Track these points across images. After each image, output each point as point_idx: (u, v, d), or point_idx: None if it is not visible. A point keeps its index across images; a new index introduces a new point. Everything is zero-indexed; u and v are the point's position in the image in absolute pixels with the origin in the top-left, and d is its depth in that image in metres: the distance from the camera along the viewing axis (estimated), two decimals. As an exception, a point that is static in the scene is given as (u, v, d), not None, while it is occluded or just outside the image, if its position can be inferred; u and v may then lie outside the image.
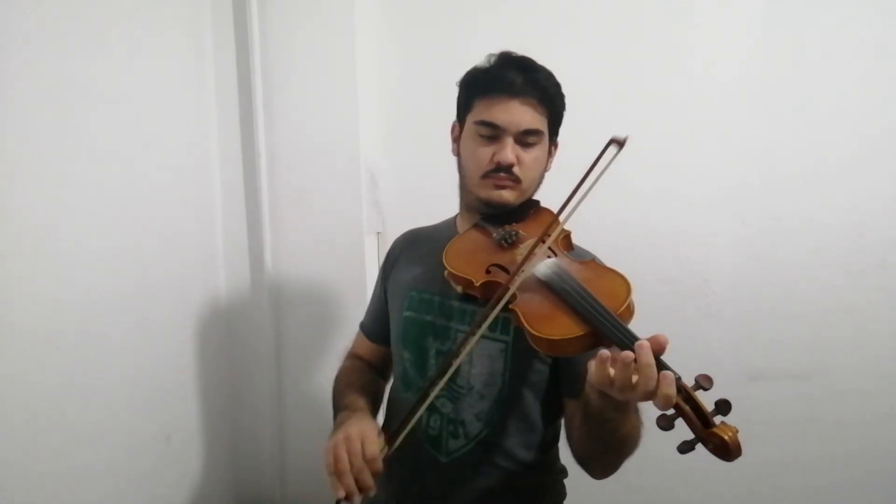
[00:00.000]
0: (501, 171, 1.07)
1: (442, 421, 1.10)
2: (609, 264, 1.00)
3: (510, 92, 1.05)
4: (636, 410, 0.93)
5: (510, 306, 0.92)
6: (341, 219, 1.73)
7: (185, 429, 1.61)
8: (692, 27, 1.71)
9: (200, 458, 1.67)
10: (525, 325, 0.88)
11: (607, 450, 0.97)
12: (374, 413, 1.20)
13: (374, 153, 1.80)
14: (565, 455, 1.12)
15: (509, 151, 1.05)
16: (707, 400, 0.76)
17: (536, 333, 0.86)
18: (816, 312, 1.72)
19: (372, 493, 0.94)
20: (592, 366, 0.80)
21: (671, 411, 0.76)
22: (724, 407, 0.75)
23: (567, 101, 1.13)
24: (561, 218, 1.00)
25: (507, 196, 1.09)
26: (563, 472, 1.20)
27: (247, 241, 1.80)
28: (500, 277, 0.98)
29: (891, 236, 1.69)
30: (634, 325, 0.84)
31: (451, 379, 1.08)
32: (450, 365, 0.96)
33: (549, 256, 0.99)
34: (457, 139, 1.17)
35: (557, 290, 0.91)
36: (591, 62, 1.71)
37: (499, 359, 1.07)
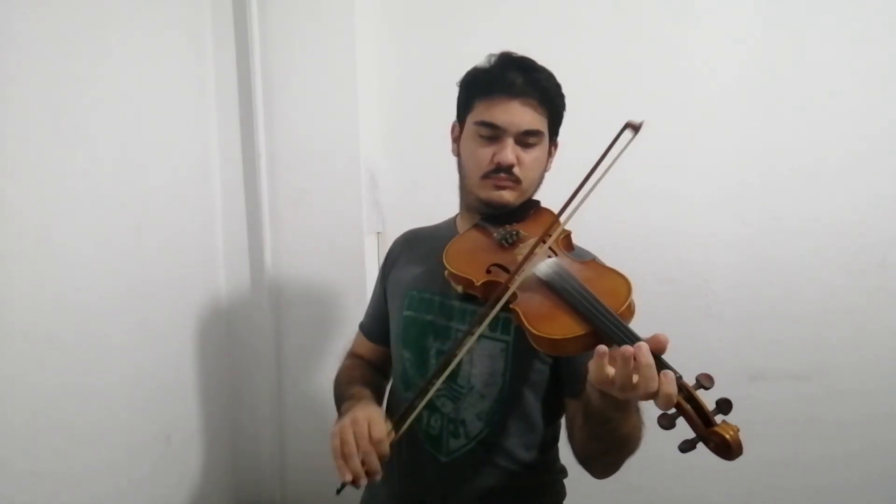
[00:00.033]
0: (501, 172, 1.07)
1: (442, 420, 1.10)
2: (609, 264, 1.00)
3: (510, 92, 1.05)
4: (637, 410, 0.93)
5: (511, 306, 0.92)
6: (341, 219, 1.73)
7: (185, 429, 1.61)
8: (692, 27, 1.71)
9: (200, 458, 1.67)
10: (526, 324, 0.88)
11: (608, 449, 0.97)
12: (379, 405, 1.20)
13: (374, 153, 1.80)
14: (565, 455, 1.12)
15: (509, 152, 1.05)
16: (708, 399, 0.76)
17: (537, 333, 0.86)
18: (816, 312, 1.72)
19: (378, 478, 0.94)
20: (592, 364, 0.80)
21: (672, 410, 0.76)
22: (725, 406, 0.75)
23: (567, 101, 1.13)
24: (566, 213, 0.99)
25: (507, 196, 1.09)
26: (563, 472, 1.20)
27: (247, 241, 1.80)
28: (501, 277, 0.98)
29: (891, 236, 1.68)
30: (635, 325, 0.84)
31: (452, 378, 1.08)
32: (454, 357, 0.96)
33: (549, 256, 0.99)
34: (457, 139, 1.17)
35: (558, 290, 0.91)
36: (591, 62, 1.71)
37: (499, 358, 1.07)
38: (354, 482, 0.92)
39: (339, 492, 0.97)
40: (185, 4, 1.61)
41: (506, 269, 0.99)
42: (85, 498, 1.23)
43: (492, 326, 1.05)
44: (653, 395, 0.76)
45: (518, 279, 0.93)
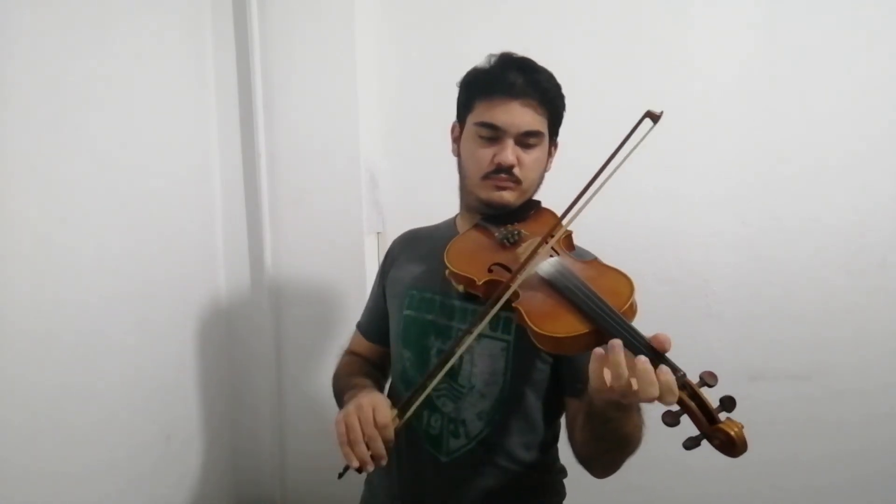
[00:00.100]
0: (502, 173, 1.07)
1: (443, 420, 1.10)
2: (610, 264, 1.00)
3: (511, 93, 1.05)
4: (638, 410, 0.94)
5: (513, 304, 0.92)
6: (341, 219, 1.73)
7: (185, 429, 1.61)
8: (692, 27, 1.71)
9: (200, 458, 1.67)
10: (528, 322, 0.88)
11: (609, 449, 0.97)
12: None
13: (374, 153, 1.80)
14: (565, 455, 1.12)
15: (510, 153, 1.05)
16: (712, 397, 0.76)
17: (540, 331, 0.86)
18: (816, 312, 1.72)
19: (384, 463, 0.94)
20: (590, 371, 0.80)
21: (677, 408, 0.76)
22: (728, 403, 0.75)
23: (567, 101, 1.14)
24: (580, 203, 0.98)
25: (508, 197, 1.09)
26: (563, 472, 1.20)
27: (247, 241, 1.80)
28: (503, 276, 0.98)
29: (891, 236, 1.68)
30: (636, 325, 0.84)
31: (453, 378, 1.08)
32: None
33: (551, 255, 0.99)
34: (457, 139, 1.17)
35: (561, 289, 0.91)
36: (591, 62, 1.71)
37: (500, 358, 1.07)
38: (360, 468, 0.92)
39: (340, 476, 0.97)
40: (185, 4, 1.61)
41: (507, 269, 0.99)
42: (85, 498, 1.23)
43: (493, 326, 1.05)
44: (655, 399, 0.75)
45: (520, 277, 0.93)
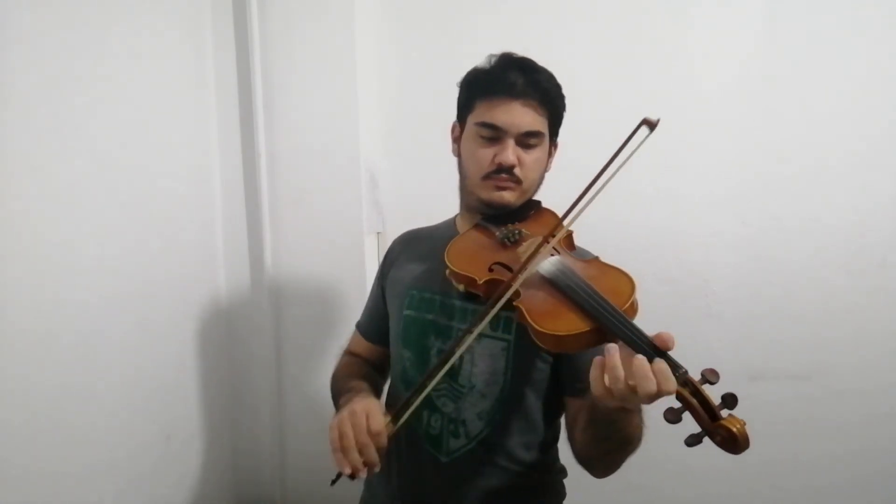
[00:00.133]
0: (503, 173, 1.07)
1: (443, 420, 1.10)
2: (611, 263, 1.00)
3: (511, 93, 1.05)
4: (639, 410, 0.93)
5: (514, 303, 0.92)
6: (341, 219, 1.73)
7: (185, 429, 1.61)
8: (692, 27, 1.71)
9: (200, 458, 1.67)
10: (529, 320, 0.88)
11: (611, 450, 0.97)
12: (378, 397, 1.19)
13: (374, 153, 1.80)
14: (565, 455, 1.12)
15: (510, 153, 1.05)
16: (714, 395, 0.76)
17: (541, 329, 0.87)
18: (816, 312, 1.72)
19: (377, 470, 0.93)
20: (591, 379, 0.80)
21: (678, 405, 0.76)
22: (730, 400, 0.75)
23: (567, 101, 1.14)
24: (581, 206, 0.99)
25: (508, 197, 1.09)
26: (563, 472, 1.20)
27: (247, 241, 1.80)
28: (504, 275, 0.98)
29: (891, 236, 1.69)
30: (636, 324, 0.84)
31: (453, 378, 1.08)
32: (452, 353, 0.96)
33: (552, 255, 0.99)
34: (457, 139, 1.17)
35: (562, 287, 0.91)
36: (591, 62, 1.71)
37: (500, 357, 1.07)
38: (353, 475, 0.92)
39: (333, 482, 0.97)
40: (185, 4, 1.61)
41: (508, 268, 0.99)
42: (85, 498, 1.23)
43: (493, 325, 1.05)
44: (656, 396, 0.75)
45: (522, 276, 0.93)
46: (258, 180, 1.73)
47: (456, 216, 1.25)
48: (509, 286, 0.93)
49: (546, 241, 0.99)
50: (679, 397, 0.77)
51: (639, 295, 0.89)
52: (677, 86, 1.71)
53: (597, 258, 1.04)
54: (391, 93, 1.81)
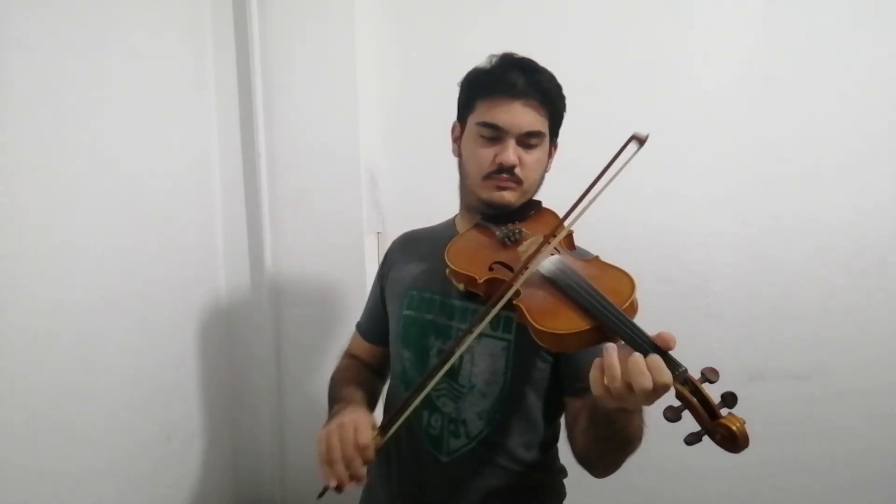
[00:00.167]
0: (503, 173, 1.07)
1: (443, 420, 1.10)
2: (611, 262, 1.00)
3: (512, 93, 1.05)
4: (640, 410, 0.94)
5: (514, 302, 0.92)
6: (341, 219, 1.73)
7: (185, 429, 1.61)
8: (692, 27, 1.71)
9: (200, 458, 1.67)
10: (529, 319, 0.88)
11: (611, 450, 0.97)
12: (371, 408, 1.20)
13: (374, 153, 1.80)
14: (565, 455, 1.12)
15: (511, 153, 1.06)
16: (714, 394, 0.76)
17: (541, 328, 0.87)
18: (816, 312, 1.72)
19: (363, 483, 0.94)
20: (591, 380, 0.80)
21: (678, 403, 0.76)
22: (730, 399, 0.75)
23: (567, 101, 1.14)
24: (571, 218, 0.99)
25: (509, 197, 1.09)
26: (563, 472, 1.20)
27: (247, 241, 1.80)
28: (504, 275, 0.98)
29: (891, 236, 1.69)
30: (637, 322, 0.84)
31: (453, 377, 1.08)
32: (452, 353, 0.96)
33: (552, 254, 0.99)
34: (457, 139, 1.17)
35: (562, 286, 0.91)
36: (591, 62, 1.71)
37: (500, 357, 1.07)
38: (339, 488, 0.93)
39: (320, 496, 0.98)
40: (185, 4, 1.61)
41: (508, 267, 0.99)
42: (85, 498, 1.23)
43: (493, 325, 1.05)
44: (653, 392, 0.75)
45: (523, 277, 0.93)
46: (258, 180, 1.73)
47: (455, 216, 1.25)
48: (510, 286, 0.93)
49: (547, 241, 0.99)
50: (679, 396, 0.77)
51: (639, 294, 0.89)
52: (677, 86, 1.71)
53: (597, 257, 1.04)
54: (391, 93, 1.81)
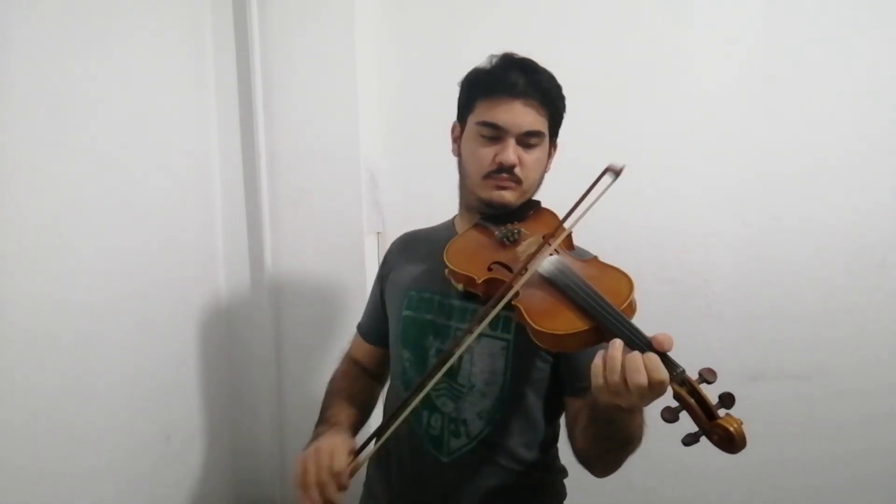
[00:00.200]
0: (503, 172, 1.07)
1: (443, 420, 1.10)
2: (609, 262, 1.00)
3: (512, 93, 1.05)
4: (640, 410, 0.94)
5: (513, 302, 0.92)
6: (341, 219, 1.73)
7: (185, 429, 1.61)
8: (692, 27, 1.71)
9: (200, 458, 1.67)
10: (528, 320, 0.89)
11: (611, 449, 0.98)
12: (363, 421, 1.23)
13: (374, 153, 1.80)
14: (565, 455, 1.12)
15: (511, 152, 1.06)
16: (712, 394, 0.76)
17: (539, 328, 0.87)
18: (816, 312, 1.72)
19: None
20: (591, 375, 0.81)
21: (675, 404, 0.77)
22: (728, 400, 0.75)
23: (567, 101, 1.14)
24: (554, 242, 1.00)
25: (508, 197, 1.09)
26: (563, 472, 1.20)
27: (247, 241, 1.80)
28: (503, 275, 0.98)
29: (891, 236, 1.69)
30: (636, 325, 0.84)
31: (452, 377, 1.08)
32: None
33: (551, 254, 1.00)
34: (457, 139, 1.17)
35: (561, 287, 0.91)
36: (591, 62, 1.71)
37: (500, 357, 1.07)
38: None
39: None
40: (185, 4, 1.61)
41: (507, 267, 0.99)
42: (85, 498, 1.23)
43: (492, 325, 1.05)
44: (648, 390, 0.76)
45: (522, 279, 0.94)
46: (258, 180, 1.73)
47: (454, 218, 1.26)
48: (510, 287, 0.93)
49: (546, 242, 1.00)
50: (676, 396, 0.77)
51: (637, 294, 0.90)
52: (677, 86, 1.71)
53: (595, 258, 1.04)
54: (391, 93, 1.81)
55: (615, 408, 0.85)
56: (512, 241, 1.06)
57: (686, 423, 0.77)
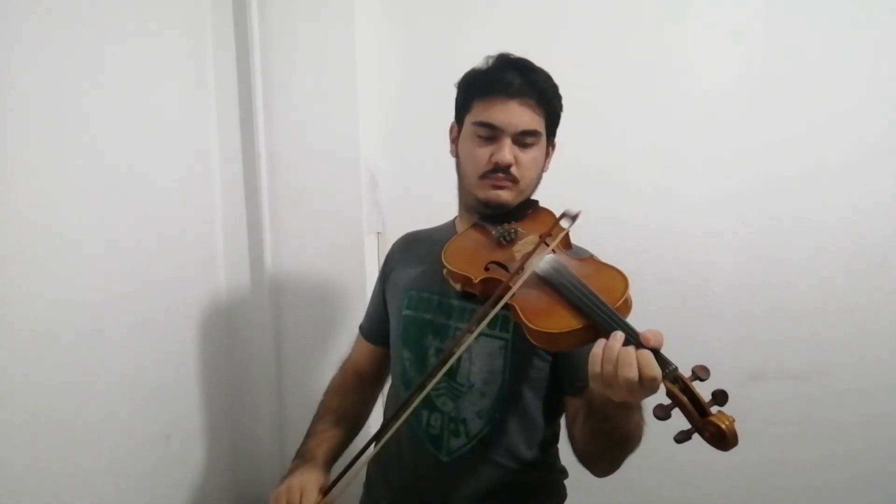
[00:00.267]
0: (499, 172, 1.07)
1: (443, 419, 1.10)
2: (605, 261, 1.00)
3: (508, 93, 1.05)
4: (639, 408, 0.94)
5: (508, 301, 0.93)
6: (341, 219, 1.73)
7: (185, 429, 1.61)
8: (692, 27, 1.71)
9: (200, 458, 1.67)
10: (523, 319, 0.89)
11: (610, 447, 0.98)
12: (350, 439, 1.26)
13: (374, 153, 1.80)
14: (566, 456, 1.12)
15: (507, 152, 1.06)
16: (705, 392, 0.77)
17: (535, 327, 0.87)
18: (816, 312, 1.72)
19: None
20: (591, 354, 0.82)
21: (668, 401, 0.77)
22: (720, 397, 0.76)
23: (566, 101, 1.14)
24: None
25: (505, 196, 1.09)
26: (564, 473, 1.20)
27: (247, 241, 1.80)
28: (499, 274, 0.99)
29: (891, 236, 1.68)
30: (635, 324, 0.85)
31: (452, 377, 1.09)
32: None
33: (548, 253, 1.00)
34: (455, 140, 1.18)
35: (556, 285, 0.92)
36: (591, 62, 1.71)
37: (499, 356, 1.07)
38: None
39: None
40: (185, 4, 1.61)
41: (504, 267, 1.00)
42: (85, 498, 1.23)
43: (491, 324, 1.05)
44: (639, 385, 0.76)
45: (520, 280, 0.94)
46: (258, 180, 1.73)
47: (455, 218, 1.26)
48: (508, 287, 0.93)
49: (543, 241, 1.00)
50: (669, 394, 0.78)
51: (637, 294, 0.90)
52: (677, 86, 1.71)
53: (592, 256, 1.04)
54: (391, 93, 1.81)
55: (612, 404, 0.86)
56: (509, 241, 1.06)
57: (682, 421, 0.77)
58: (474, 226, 1.14)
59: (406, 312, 1.16)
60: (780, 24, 1.67)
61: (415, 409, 1.00)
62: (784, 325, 1.73)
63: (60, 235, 1.17)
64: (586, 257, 1.03)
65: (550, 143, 1.16)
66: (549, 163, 1.17)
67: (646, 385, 0.77)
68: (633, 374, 0.76)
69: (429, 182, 1.69)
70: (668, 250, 1.75)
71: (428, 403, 1.10)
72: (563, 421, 1.15)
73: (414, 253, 1.25)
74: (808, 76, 1.67)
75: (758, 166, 1.71)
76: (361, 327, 1.36)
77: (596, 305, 0.85)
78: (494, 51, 1.12)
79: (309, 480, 1.08)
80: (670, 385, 0.77)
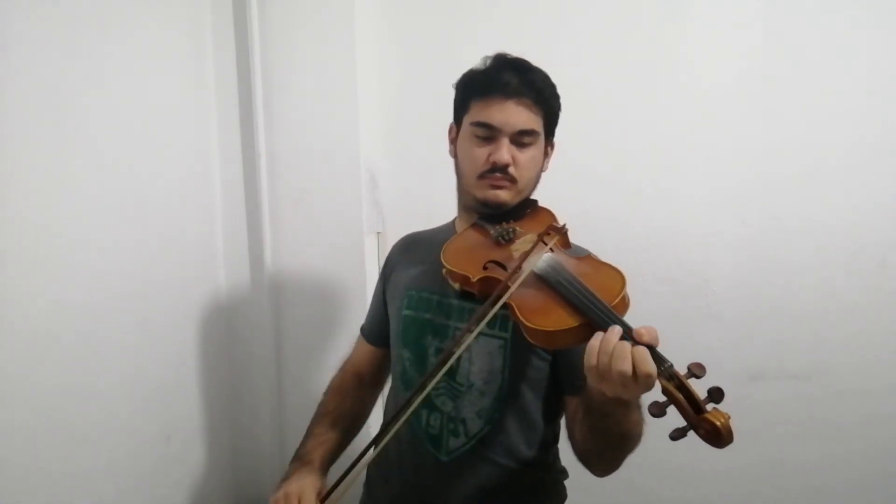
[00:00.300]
0: (497, 172, 1.08)
1: (442, 419, 1.10)
2: (603, 259, 1.01)
3: (505, 93, 1.06)
4: (638, 406, 0.94)
5: (506, 300, 0.93)
6: (341, 219, 1.73)
7: (185, 429, 1.61)
8: (692, 27, 1.71)
9: (200, 458, 1.67)
10: (520, 317, 0.89)
11: (609, 445, 0.98)
12: (347, 441, 1.26)
13: (374, 153, 1.80)
14: (566, 456, 1.12)
15: (505, 151, 1.06)
16: (701, 389, 0.77)
17: (532, 326, 0.87)
18: (816, 312, 1.72)
19: None
20: (588, 346, 0.82)
21: (664, 399, 0.77)
22: (716, 394, 0.76)
23: (566, 101, 1.14)
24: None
25: (504, 196, 1.09)
26: (564, 473, 1.20)
27: (247, 241, 1.80)
28: (497, 273, 0.99)
29: (891, 236, 1.68)
30: (634, 323, 0.84)
31: (451, 376, 1.09)
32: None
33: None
34: (454, 141, 1.18)
35: (553, 284, 0.92)
36: (591, 62, 1.71)
37: (498, 356, 1.07)
38: None
39: None
40: (185, 4, 1.61)
41: (502, 266, 1.00)
42: (85, 498, 1.23)
43: (490, 323, 1.05)
44: (633, 380, 0.76)
45: (519, 280, 0.94)
46: (258, 180, 1.73)
47: (455, 219, 1.26)
48: (506, 287, 0.93)
49: (541, 240, 1.00)
50: (664, 391, 0.78)
51: (638, 294, 0.90)
52: (677, 86, 1.71)
53: (590, 255, 1.04)
54: (391, 93, 1.81)
55: (609, 401, 0.86)
56: (507, 240, 1.06)
57: (679, 418, 0.77)
58: (473, 225, 1.14)
59: (406, 312, 1.16)
60: (780, 24, 1.67)
61: (414, 409, 1.00)
62: (784, 325, 1.73)
63: (60, 235, 1.17)
64: (584, 256, 1.03)
65: (549, 142, 1.16)
66: (548, 162, 1.18)
67: (641, 381, 0.77)
68: (627, 367, 0.76)
69: (429, 182, 1.70)
70: (668, 250, 1.75)
71: (427, 403, 1.10)
72: (563, 421, 1.15)
73: (414, 253, 1.25)
74: (808, 76, 1.67)
75: (758, 166, 1.70)
76: (363, 329, 1.36)
77: (592, 303, 0.86)
78: (494, 51, 1.12)
79: (306, 486, 1.09)
80: (666, 382, 0.77)
